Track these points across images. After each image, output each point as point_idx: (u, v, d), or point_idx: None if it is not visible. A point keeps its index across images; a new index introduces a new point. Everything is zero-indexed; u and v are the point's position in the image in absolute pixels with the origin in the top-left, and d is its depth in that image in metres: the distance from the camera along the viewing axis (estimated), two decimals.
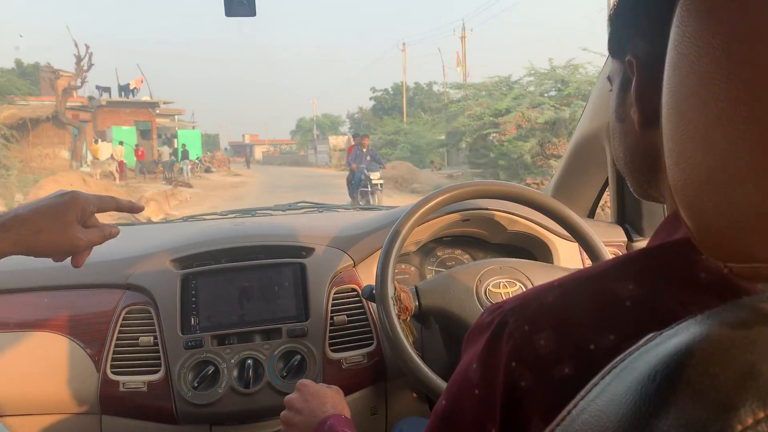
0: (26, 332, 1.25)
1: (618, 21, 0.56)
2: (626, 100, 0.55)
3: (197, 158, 28.61)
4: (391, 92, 53.74)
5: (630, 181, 0.59)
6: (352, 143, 12.83)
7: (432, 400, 1.35)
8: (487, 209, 1.40)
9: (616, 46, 0.56)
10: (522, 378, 0.45)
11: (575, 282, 0.48)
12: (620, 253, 1.06)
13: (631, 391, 0.30)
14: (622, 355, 0.34)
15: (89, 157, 22.39)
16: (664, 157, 0.37)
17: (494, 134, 15.30)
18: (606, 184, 1.64)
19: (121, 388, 1.22)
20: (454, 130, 19.66)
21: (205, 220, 1.83)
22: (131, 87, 31.34)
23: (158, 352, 1.24)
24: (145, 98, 31.50)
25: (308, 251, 1.38)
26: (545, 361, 0.44)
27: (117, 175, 20.75)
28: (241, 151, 78.60)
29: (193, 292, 1.29)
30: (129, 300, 1.29)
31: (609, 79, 0.60)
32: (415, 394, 1.41)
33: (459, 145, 17.66)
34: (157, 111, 32.50)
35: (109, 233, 0.87)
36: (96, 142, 23.15)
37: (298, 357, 1.24)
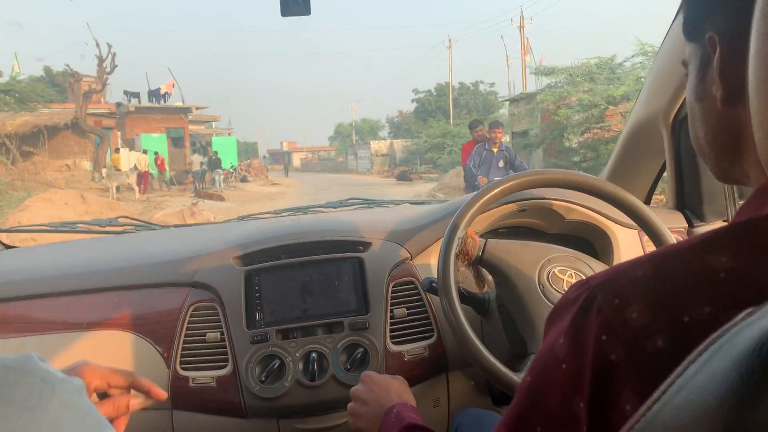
0: (98, 331, 1.27)
1: (694, 1, 0.56)
2: (705, 80, 0.55)
3: (231, 167, 26.00)
4: (435, 93, 50.77)
5: (711, 163, 0.58)
6: (473, 137, 7.40)
7: (493, 391, 1.38)
8: (544, 198, 1.39)
9: (691, 28, 0.57)
10: (612, 351, 0.44)
11: (665, 256, 0.47)
12: (681, 239, 1.04)
13: (736, 365, 0.29)
14: (719, 331, 0.33)
15: (110, 168, 19.86)
16: (754, 131, 0.36)
17: (594, 129, 12.06)
18: (662, 171, 1.60)
19: (191, 384, 1.23)
20: (527, 127, 16.45)
21: (259, 218, 1.84)
22: (162, 92, 29.13)
23: (225, 347, 1.25)
24: (177, 104, 29.30)
25: (365, 245, 1.38)
26: (637, 334, 0.43)
27: (137, 189, 18.01)
28: (280, 158, 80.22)
29: (257, 288, 1.30)
30: (195, 297, 1.31)
31: (684, 63, 0.60)
32: (472, 383, 1.39)
33: (544, 145, 14.34)
34: (190, 117, 30.30)
35: (125, 406, 0.78)
36: (117, 150, 20.64)
37: (361, 350, 1.24)
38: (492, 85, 50.78)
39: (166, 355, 1.24)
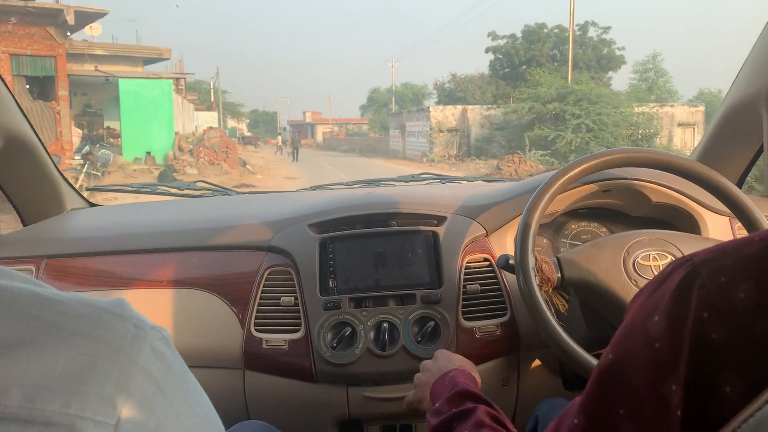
0: (177, 289, 1.33)
1: None
2: None
3: (86, 152, 10.11)
4: (521, 38, 33.78)
5: None
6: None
7: (565, 374, 1.39)
8: (629, 179, 1.35)
9: None
10: (714, 330, 0.43)
11: None
12: None
13: None
14: None
15: None
16: None
17: None
18: (758, 155, 1.51)
19: (264, 345, 1.27)
20: None
21: (332, 189, 1.86)
22: None
23: (299, 312, 1.28)
24: (41, 3, 13.49)
25: (440, 219, 1.39)
26: (745, 315, 0.42)
27: None
28: (303, 131, 66.86)
29: (331, 255, 1.33)
30: (271, 261, 1.35)
31: None
32: (544, 364, 1.39)
33: None
34: (69, 35, 14.44)
35: None
36: None
37: (432, 323, 1.26)
38: (607, 30, 33.62)
39: (241, 316, 1.30)
